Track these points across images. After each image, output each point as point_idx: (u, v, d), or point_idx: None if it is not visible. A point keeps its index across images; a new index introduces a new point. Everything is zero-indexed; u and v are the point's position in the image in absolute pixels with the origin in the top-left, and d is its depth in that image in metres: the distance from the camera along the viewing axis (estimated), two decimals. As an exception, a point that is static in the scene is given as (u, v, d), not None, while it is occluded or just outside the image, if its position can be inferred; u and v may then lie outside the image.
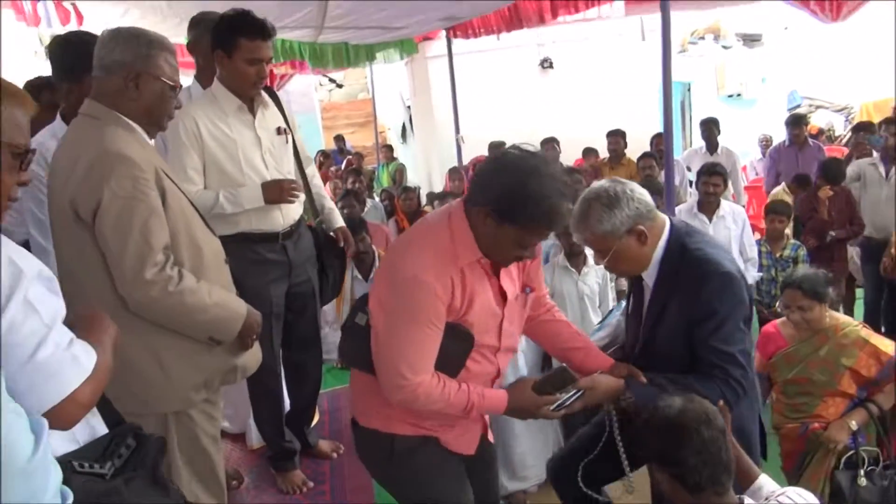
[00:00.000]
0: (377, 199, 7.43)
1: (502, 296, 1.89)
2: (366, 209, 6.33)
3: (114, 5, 4.89)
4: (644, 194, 2.02)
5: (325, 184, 8.62)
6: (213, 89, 2.69)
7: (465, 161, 8.58)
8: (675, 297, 2.01)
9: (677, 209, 5.09)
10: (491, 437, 2.21)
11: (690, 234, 2.06)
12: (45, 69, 3.23)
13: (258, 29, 2.54)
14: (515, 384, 1.93)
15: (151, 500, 1.27)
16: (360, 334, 1.88)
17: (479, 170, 1.85)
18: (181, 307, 1.87)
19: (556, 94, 9.88)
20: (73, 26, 5.71)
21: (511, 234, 1.73)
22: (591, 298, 3.67)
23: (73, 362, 1.17)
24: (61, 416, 1.13)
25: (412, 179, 10.80)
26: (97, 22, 5.41)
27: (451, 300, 1.77)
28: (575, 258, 3.65)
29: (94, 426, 1.32)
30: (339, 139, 13.75)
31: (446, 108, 8.93)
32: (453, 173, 7.60)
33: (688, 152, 7.54)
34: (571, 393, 1.88)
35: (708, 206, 4.66)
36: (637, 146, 7.00)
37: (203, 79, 2.96)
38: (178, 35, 5.09)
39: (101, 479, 1.18)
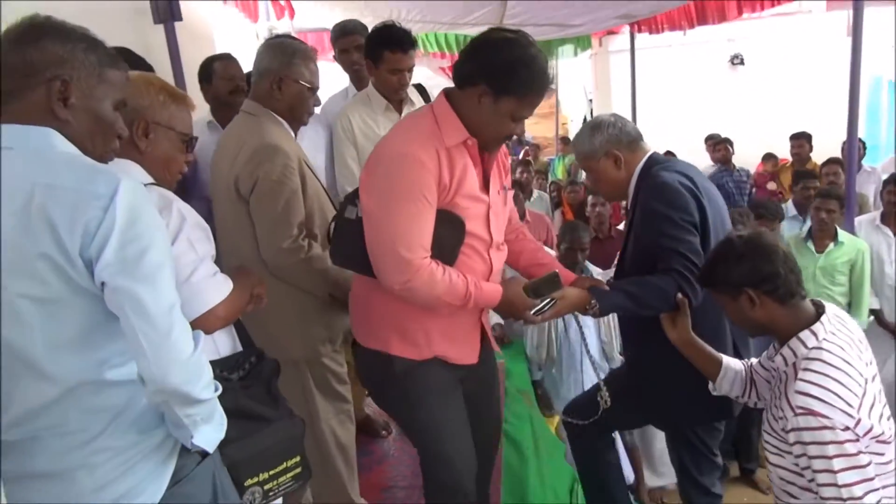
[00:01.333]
0: (548, 187, 7.60)
1: (486, 186, 1.94)
2: (532, 199, 6.52)
3: (321, 4, 5.47)
4: (630, 128, 2.27)
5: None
6: (368, 90, 3.05)
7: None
8: (635, 216, 2.22)
9: (857, 220, 4.78)
10: (494, 346, 2.22)
11: (661, 163, 2.23)
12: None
13: (400, 42, 2.82)
14: (510, 281, 2.01)
15: (261, 407, 1.65)
16: (352, 229, 1.87)
17: (461, 55, 1.88)
18: (308, 271, 2.22)
19: (745, 92, 9.44)
20: (286, 22, 6.48)
21: (508, 108, 1.80)
22: None
23: (215, 286, 1.58)
24: (204, 324, 1.53)
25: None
26: (307, 17, 6.11)
27: (440, 175, 1.79)
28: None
29: (234, 344, 1.73)
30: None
31: (626, 103, 8.88)
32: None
33: (889, 160, 6.93)
34: (546, 301, 1.99)
35: (891, 217, 4.33)
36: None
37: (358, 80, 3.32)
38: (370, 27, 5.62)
39: (228, 383, 1.54)
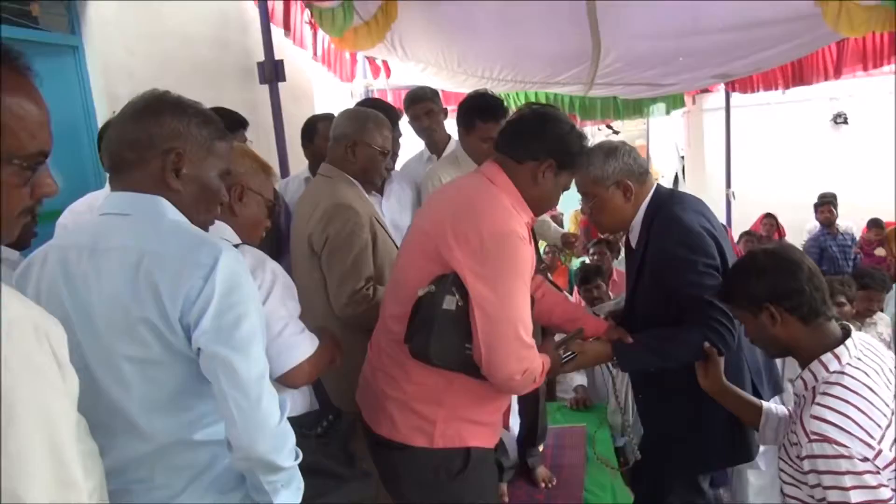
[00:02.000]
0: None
1: None
2: (619, 258, 6.41)
3: (415, 64, 5.67)
4: (642, 160, 2.20)
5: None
6: (457, 152, 3.14)
7: (734, 218, 8.25)
8: (648, 255, 2.12)
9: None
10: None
11: (672, 198, 2.17)
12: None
13: (493, 113, 2.88)
14: (544, 345, 1.96)
15: (337, 465, 1.69)
16: (451, 321, 1.67)
17: (515, 127, 1.89)
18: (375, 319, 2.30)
19: (849, 153, 9.02)
20: (382, 79, 6.74)
21: (562, 182, 1.88)
22: None
23: (303, 343, 1.66)
24: (293, 379, 1.62)
25: (678, 231, 10.57)
26: (403, 76, 6.36)
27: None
28: None
29: (311, 401, 1.79)
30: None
31: (719, 162, 8.69)
32: (745, 234, 7.33)
33: None
34: (568, 355, 2.00)
35: None
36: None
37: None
38: (462, 86, 5.78)
39: (306, 440, 1.57)
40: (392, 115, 3.22)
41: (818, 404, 1.58)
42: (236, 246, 1.58)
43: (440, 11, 4.76)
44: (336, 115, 3.49)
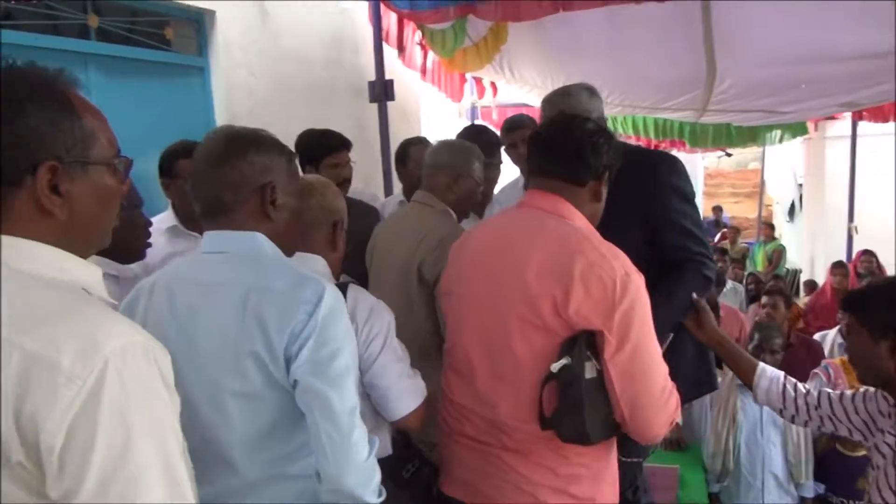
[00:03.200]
0: (745, 278, 7.13)
1: None
2: (724, 290, 6.17)
3: (521, 86, 5.69)
4: None
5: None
6: None
7: (854, 255, 7.74)
8: (625, 197, 1.96)
9: None
10: None
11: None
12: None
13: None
14: None
15: None
16: (597, 392, 1.51)
17: (570, 147, 1.66)
18: None
19: None
20: (488, 97, 6.81)
21: (605, 192, 1.72)
22: None
23: (419, 388, 1.70)
24: (410, 423, 1.67)
25: (791, 263, 10.03)
26: (509, 94, 6.40)
27: None
28: None
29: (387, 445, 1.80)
30: (717, 209, 13.38)
31: (841, 194, 8.19)
32: (837, 268, 6.86)
33: None
34: None
35: None
36: None
37: None
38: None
39: (391, 484, 1.58)
40: (498, 142, 3.25)
41: None
42: (347, 284, 1.64)
43: (550, 35, 4.74)
44: (429, 140, 3.58)
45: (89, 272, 1.00)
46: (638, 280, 1.52)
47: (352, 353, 1.35)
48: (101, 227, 1.04)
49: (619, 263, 1.51)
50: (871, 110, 6.73)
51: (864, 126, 7.59)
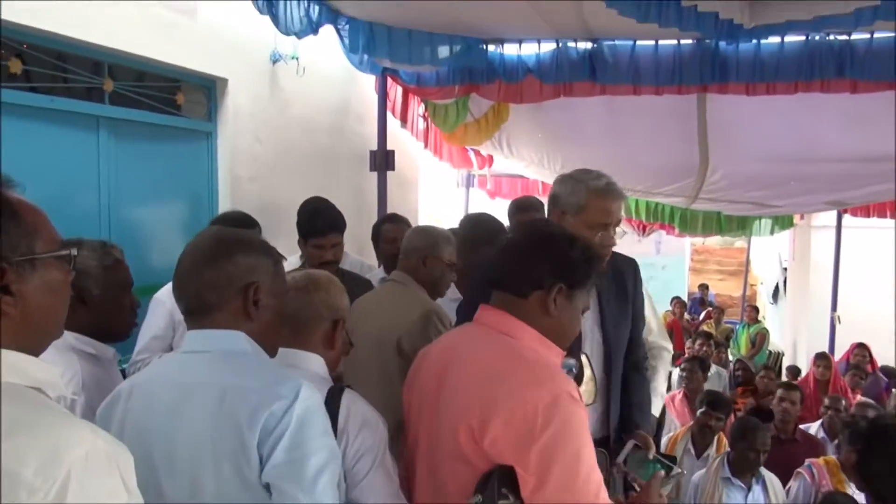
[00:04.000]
0: (731, 362, 7.11)
1: None
2: (708, 375, 6.15)
3: (518, 161, 5.80)
4: None
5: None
6: None
7: (837, 344, 7.81)
8: (623, 289, 2.31)
9: None
10: None
11: None
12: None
13: None
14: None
15: None
16: None
17: (508, 257, 1.59)
18: None
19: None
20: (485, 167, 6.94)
21: (579, 304, 1.57)
22: None
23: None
24: None
25: (773, 346, 10.08)
26: (504, 164, 6.52)
27: None
28: None
29: None
30: (704, 287, 13.46)
31: (825, 282, 8.33)
32: (820, 360, 6.88)
33: None
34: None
35: None
36: None
37: None
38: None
39: None
40: (500, 228, 3.28)
41: None
42: (343, 388, 1.62)
43: (550, 117, 4.88)
44: (403, 217, 3.64)
45: (46, 371, 1.02)
46: (571, 407, 1.35)
47: (329, 452, 1.31)
48: (55, 321, 1.05)
49: (551, 388, 1.35)
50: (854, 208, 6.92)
51: (848, 219, 7.77)
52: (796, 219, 8.89)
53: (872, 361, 7.06)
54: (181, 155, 3.53)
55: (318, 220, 2.88)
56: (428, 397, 1.55)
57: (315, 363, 1.64)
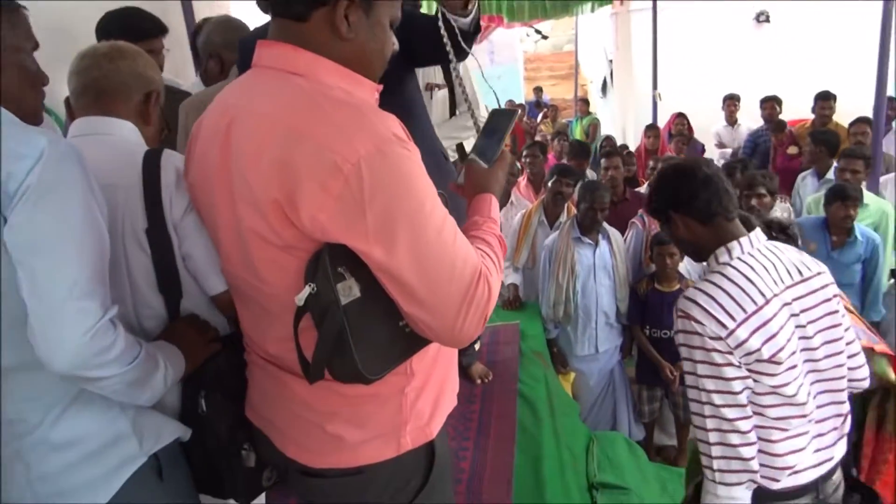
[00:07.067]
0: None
1: None
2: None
3: None
4: None
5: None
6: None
7: (660, 118, 8.38)
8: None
9: (882, 179, 4.74)
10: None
11: None
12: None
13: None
14: (471, 169, 1.42)
15: None
16: (365, 315, 1.11)
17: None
18: None
19: (770, 52, 9.17)
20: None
21: (383, 17, 1.21)
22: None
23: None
24: (223, 300, 1.47)
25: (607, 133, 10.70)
26: None
27: None
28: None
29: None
30: (538, 91, 13.88)
31: (646, 63, 8.73)
32: (649, 130, 7.46)
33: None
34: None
35: None
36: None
37: None
38: None
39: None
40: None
41: (694, 287, 1.72)
42: (165, 148, 1.47)
43: None
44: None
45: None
46: (399, 150, 1.06)
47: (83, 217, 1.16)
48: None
49: (369, 134, 1.04)
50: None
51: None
52: (616, 5, 9.12)
53: (690, 129, 7.70)
54: None
55: (141, 21, 2.57)
56: (216, 178, 1.19)
57: (126, 128, 1.50)
